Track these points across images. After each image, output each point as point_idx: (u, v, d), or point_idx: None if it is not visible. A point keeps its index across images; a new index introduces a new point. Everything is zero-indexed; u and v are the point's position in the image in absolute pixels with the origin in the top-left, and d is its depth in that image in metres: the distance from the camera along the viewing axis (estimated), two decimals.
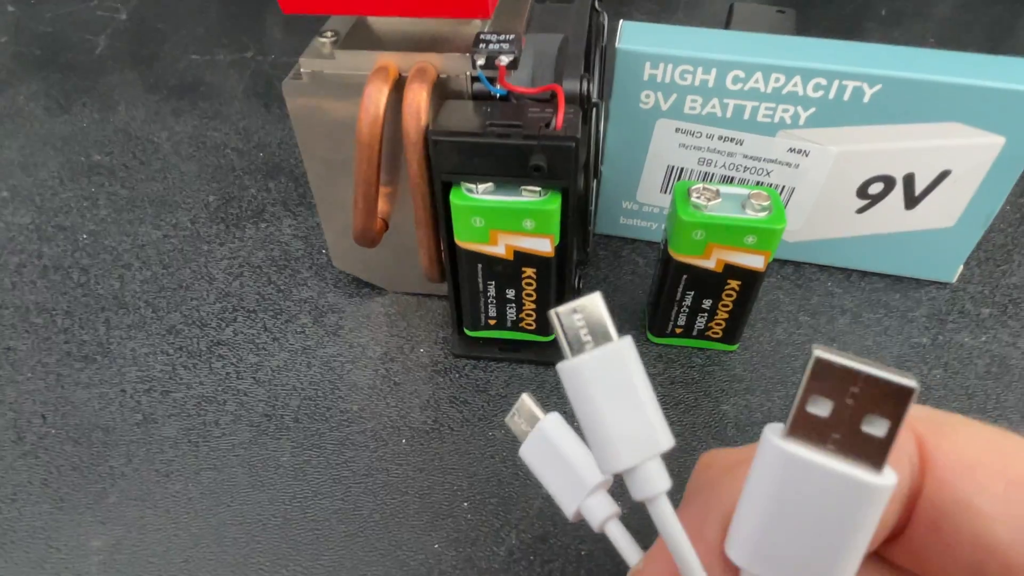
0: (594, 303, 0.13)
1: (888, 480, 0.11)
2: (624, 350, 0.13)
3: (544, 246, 0.24)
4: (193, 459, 0.25)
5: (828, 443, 0.11)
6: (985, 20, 0.53)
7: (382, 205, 0.27)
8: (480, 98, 0.24)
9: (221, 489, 0.25)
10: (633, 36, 0.28)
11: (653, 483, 0.13)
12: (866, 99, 0.26)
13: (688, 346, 0.29)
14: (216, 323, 0.30)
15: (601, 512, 0.16)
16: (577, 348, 0.13)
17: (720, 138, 0.29)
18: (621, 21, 0.28)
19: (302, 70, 0.25)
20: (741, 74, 0.27)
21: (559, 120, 0.22)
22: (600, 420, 0.13)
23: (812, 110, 0.27)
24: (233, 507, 0.24)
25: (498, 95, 0.23)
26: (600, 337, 0.13)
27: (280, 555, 0.23)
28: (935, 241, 0.30)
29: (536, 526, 0.24)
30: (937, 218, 0.30)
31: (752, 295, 0.27)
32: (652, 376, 0.28)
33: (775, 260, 0.33)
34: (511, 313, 0.27)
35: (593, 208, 0.32)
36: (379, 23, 0.25)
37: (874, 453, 0.11)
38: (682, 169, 0.31)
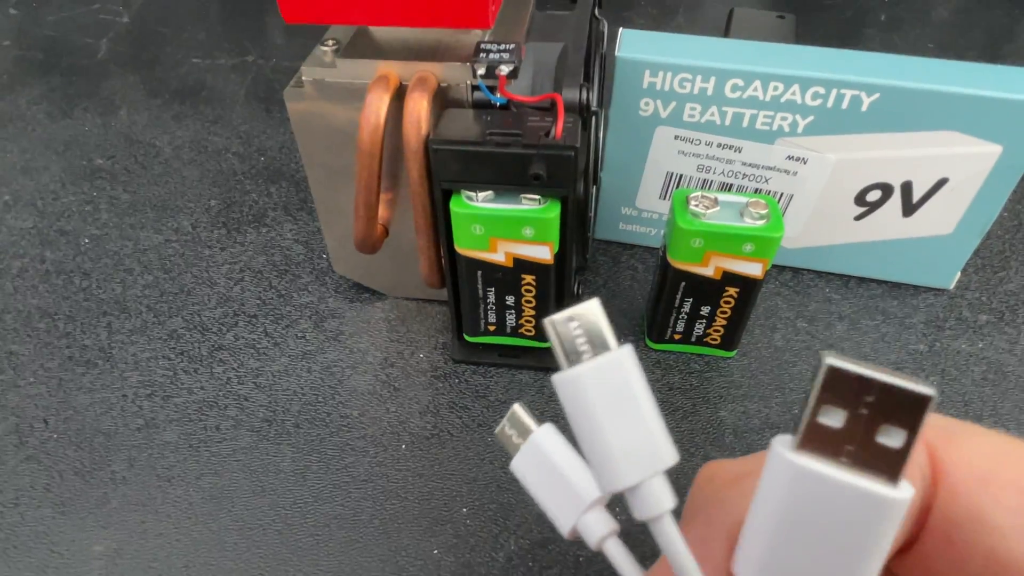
0: (591, 311, 0.12)
1: (905, 493, 0.10)
2: (624, 360, 0.12)
3: (543, 253, 0.24)
4: (194, 464, 0.26)
5: (841, 455, 0.11)
6: (984, 25, 0.53)
7: (382, 212, 0.27)
8: (480, 107, 0.24)
9: (222, 494, 0.25)
10: (632, 44, 0.28)
11: (657, 502, 0.12)
12: (864, 107, 0.27)
13: (686, 352, 0.29)
14: (217, 328, 0.30)
15: (599, 530, 0.15)
16: (574, 358, 0.12)
17: (719, 145, 0.29)
18: (620, 29, 0.29)
19: (303, 78, 0.25)
20: (740, 82, 0.27)
21: (559, 129, 0.22)
22: (599, 435, 0.12)
23: (810, 118, 0.27)
24: (234, 512, 0.24)
25: (498, 104, 0.24)
26: (598, 346, 0.12)
27: (280, 560, 0.23)
28: (933, 248, 0.31)
29: (535, 532, 0.24)
30: (935, 225, 0.30)
31: (750, 302, 0.27)
32: (650, 382, 0.28)
33: (773, 266, 0.33)
34: (510, 319, 0.27)
35: (592, 214, 0.32)
36: (380, 32, 0.25)
37: (890, 465, 0.10)
38: (681, 176, 0.31)
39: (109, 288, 0.32)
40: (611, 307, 0.31)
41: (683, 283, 0.26)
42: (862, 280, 0.33)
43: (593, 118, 0.27)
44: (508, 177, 0.23)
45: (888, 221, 0.30)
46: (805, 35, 0.48)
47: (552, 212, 0.23)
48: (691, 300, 0.27)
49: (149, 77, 0.47)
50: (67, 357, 0.29)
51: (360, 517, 0.24)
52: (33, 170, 0.39)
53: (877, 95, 0.26)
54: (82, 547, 0.23)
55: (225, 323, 0.31)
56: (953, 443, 0.12)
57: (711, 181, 0.30)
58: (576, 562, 0.23)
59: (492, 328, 0.28)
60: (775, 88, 0.27)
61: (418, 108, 0.23)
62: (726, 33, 0.42)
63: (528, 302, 0.26)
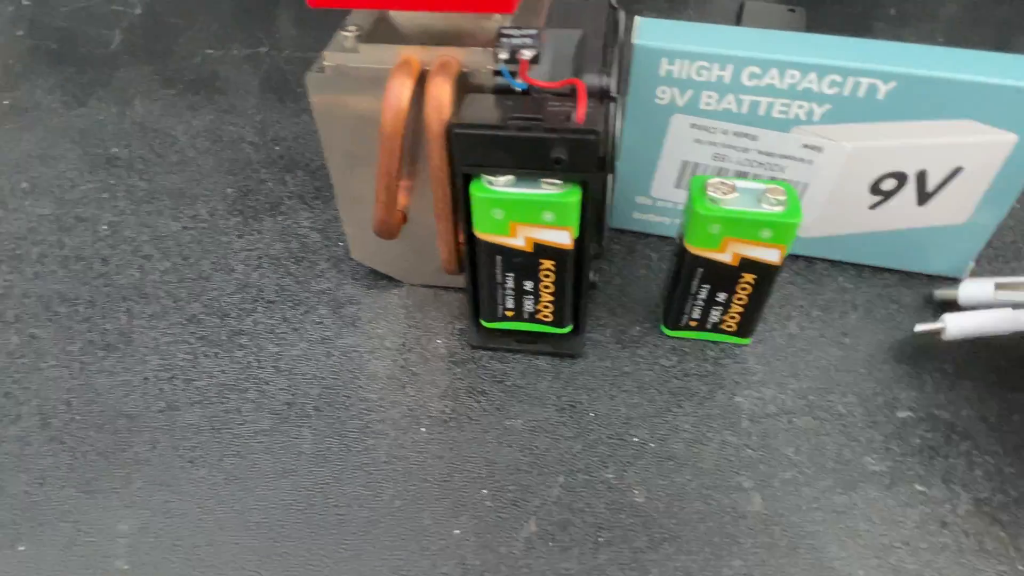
0: None
1: None
2: None
3: (563, 238, 0.24)
4: (216, 446, 0.26)
5: None
6: (993, 20, 0.53)
7: (401, 198, 0.28)
8: (501, 92, 0.24)
9: (245, 475, 0.25)
10: (650, 32, 0.28)
11: None
12: (880, 96, 0.27)
13: (702, 339, 0.30)
14: (236, 313, 0.31)
15: None
16: None
17: (735, 134, 0.29)
18: (637, 17, 0.29)
19: (325, 64, 0.25)
20: (757, 70, 0.27)
21: (580, 113, 0.22)
22: None
23: (827, 106, 0.28)
24: (257, 493, 0.25)
25: (519, 89, 0.24)
26: None
27: (303, 539, 0.23)
28: (946, 237, 0.31)
29: (554, 513, 0.24)
30: (949, 215, 0.30)
31: (767, 289, 0.27)
32: (666, 368, 0.29)
33: (788, 255, 0.33)
34: (528, 305, 0.27)
35: (609, 202, 0.32)
36: (402, 18, 0.25)
37: None
38: (697, 164, 0.31)
39: (128, 274, 0.32)
40: (625, 295, 0.31)
41: (700, 269, 0.27)
42: (876, 269, 0.33)
43: (612, 105, 0.27)
44: (529, 161, 0.23)
45: (902, 210, 0.30)
46: (815, 29, 0.48)
47: (573, 196, 0.23)
48: (708, 287, 0.27)
49: (163, 68, 0.47)
50: (88, 341, 0.29)
51: (381, 498, 0.24)
52: (50, 158, 0.39)
53: (894, 83, 0.26)
54: (107, 525, 0.24)
55: (244, 308, 0.31)
56: None
57: (727, 169, 0.31)
58: (595, 543, 0.23)
59: (510, 314, 0.28)
60: (792, 76, 0.27)
61: (440, 93, 0.23)
62: (737, 25, 0.42)
63: (546, 287, 0.26)
